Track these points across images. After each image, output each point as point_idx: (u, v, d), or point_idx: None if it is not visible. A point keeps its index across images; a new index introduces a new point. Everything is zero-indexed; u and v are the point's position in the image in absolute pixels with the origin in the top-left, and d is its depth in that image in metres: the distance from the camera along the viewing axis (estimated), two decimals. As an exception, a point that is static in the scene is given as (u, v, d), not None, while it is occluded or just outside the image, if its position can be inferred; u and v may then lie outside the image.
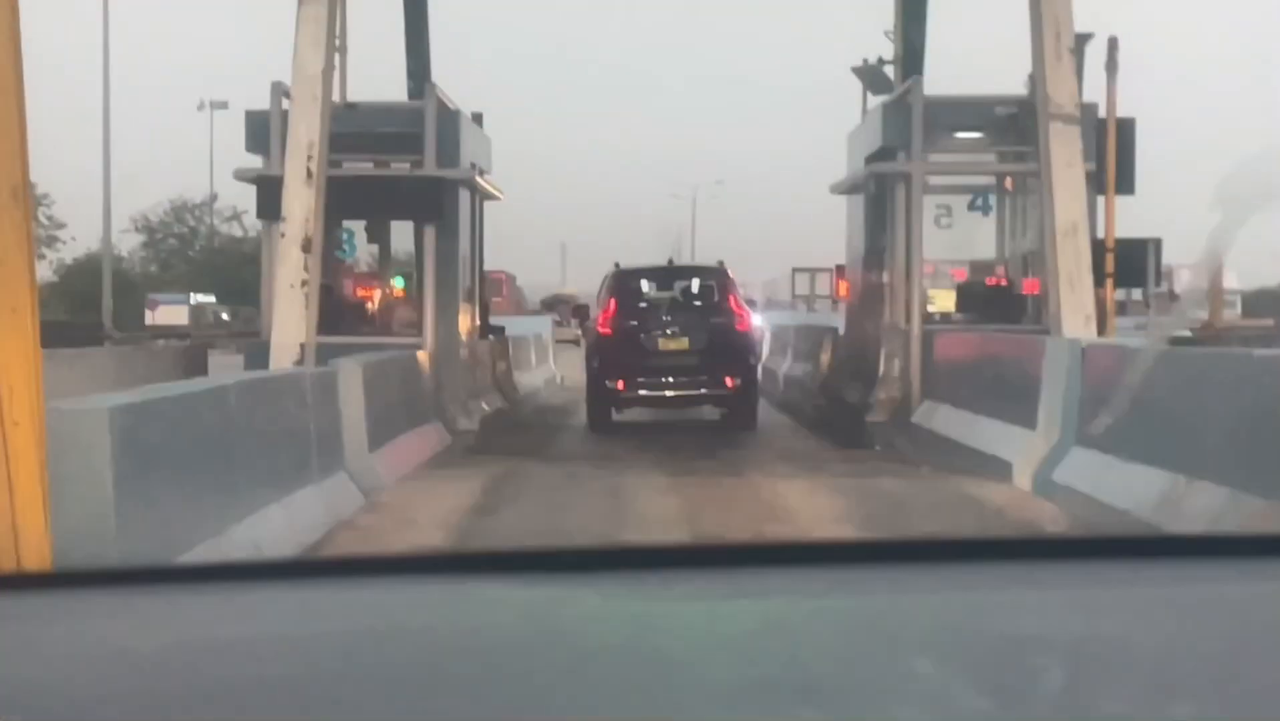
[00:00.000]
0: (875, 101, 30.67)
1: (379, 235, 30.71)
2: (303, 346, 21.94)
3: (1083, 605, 2.79)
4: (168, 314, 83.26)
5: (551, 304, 79.85)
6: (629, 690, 2.30)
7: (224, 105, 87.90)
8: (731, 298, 27.34)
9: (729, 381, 26.90)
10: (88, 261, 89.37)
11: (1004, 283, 29.10)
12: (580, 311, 31.92)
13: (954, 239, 30.28)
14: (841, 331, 34.87)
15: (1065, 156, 22.54)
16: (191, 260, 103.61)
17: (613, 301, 27.45)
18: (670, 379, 27.01)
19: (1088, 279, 22.06)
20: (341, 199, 26.21)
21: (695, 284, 28.07)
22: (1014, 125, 27.33)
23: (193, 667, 2.42)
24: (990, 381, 19.96)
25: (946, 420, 21.77)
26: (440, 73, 31.36)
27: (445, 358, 26.79)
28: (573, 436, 29.02)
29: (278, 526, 12.47)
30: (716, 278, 27.92)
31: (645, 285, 28.03)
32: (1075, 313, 21.75)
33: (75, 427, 8.72)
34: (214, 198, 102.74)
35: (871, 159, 28.25)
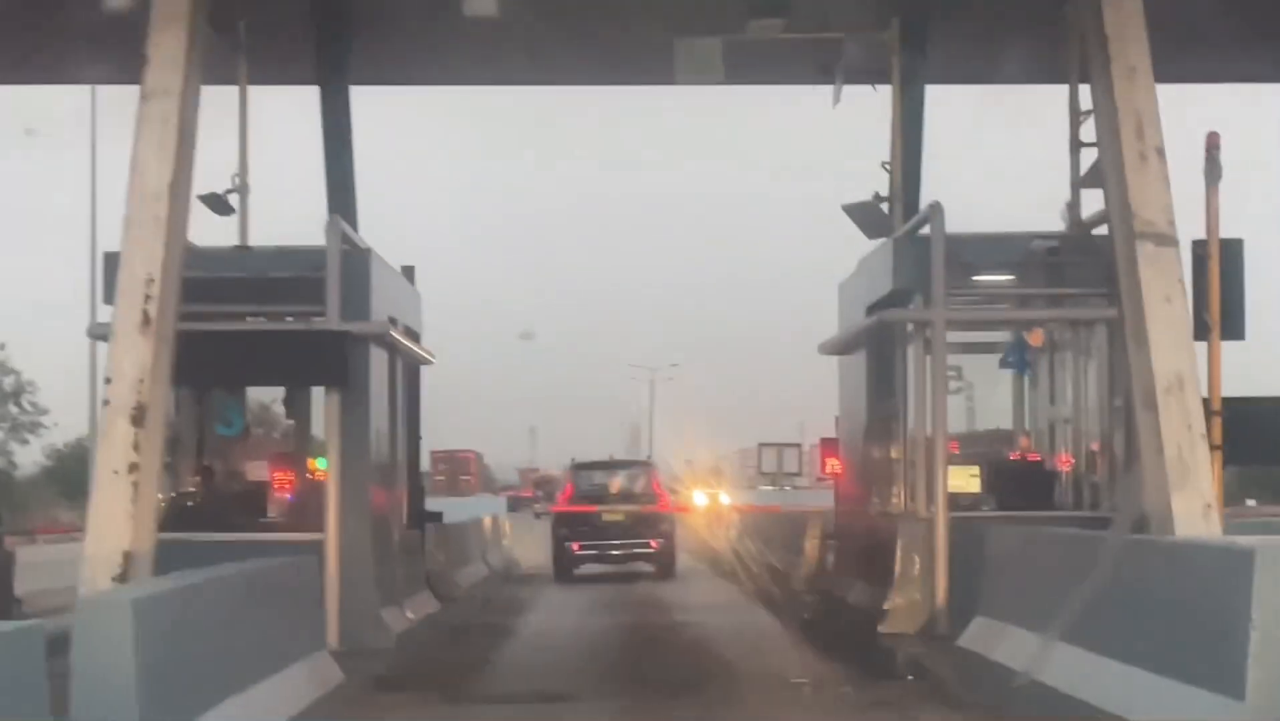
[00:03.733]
0: (873, 244, 22.97)
1: (299, 406, 22.62)
2: (128, 555, 13.97)
3: None
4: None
5: (540, 482, 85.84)
6: None
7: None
8: (655, 482, 34.66)
9: (653, 543, 32.86)
10: (78, 447, 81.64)
11: (1035, 458, 21.20)
12: (546, 486, 41.16)
13: (958, 406, 22.39)
14: (829, 514, 27.03)
15: (1162, 288, 14.82)
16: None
17: (570, 486, 34.99)
18: (613, 540, 32.87)
19: (1203, 453, 14.22)
20: (219, 359, 18.35)
21: (629, 472, 35.18)
22: (1050, 265, 19.63)
23: None
24: (1115, 606, 11.90)
25: (1024, 653, 13.66)
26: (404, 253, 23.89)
27: (352, 556, 18.76)
28: (517, 652, 20.96)
29: None
30: (645, 468, 36.31)
31: (594, 473, 35.13)
32: (1190, 500, 13.92)
33: None
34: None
35: (876, 307, 20.47)
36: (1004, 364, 21.36)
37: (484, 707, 15.34)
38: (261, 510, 20.12)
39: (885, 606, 19.03)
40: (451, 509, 36.77)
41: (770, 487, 57.11)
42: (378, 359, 20.01)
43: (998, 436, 23.38)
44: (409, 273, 24.44)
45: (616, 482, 34.12)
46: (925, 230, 19.54)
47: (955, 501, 19.99)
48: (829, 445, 26.81)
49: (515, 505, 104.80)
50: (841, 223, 23.35)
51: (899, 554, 19.07)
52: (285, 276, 19.25)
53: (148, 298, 14.78)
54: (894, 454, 20.87)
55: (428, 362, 23.95)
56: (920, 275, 19.12)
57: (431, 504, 39.72)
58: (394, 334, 20.11)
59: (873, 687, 15.92)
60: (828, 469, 26.86)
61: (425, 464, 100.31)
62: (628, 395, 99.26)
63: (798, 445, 51.28)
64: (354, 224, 22.66)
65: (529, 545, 41.31)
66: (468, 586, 28.16)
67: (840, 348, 23.29)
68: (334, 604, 18.62)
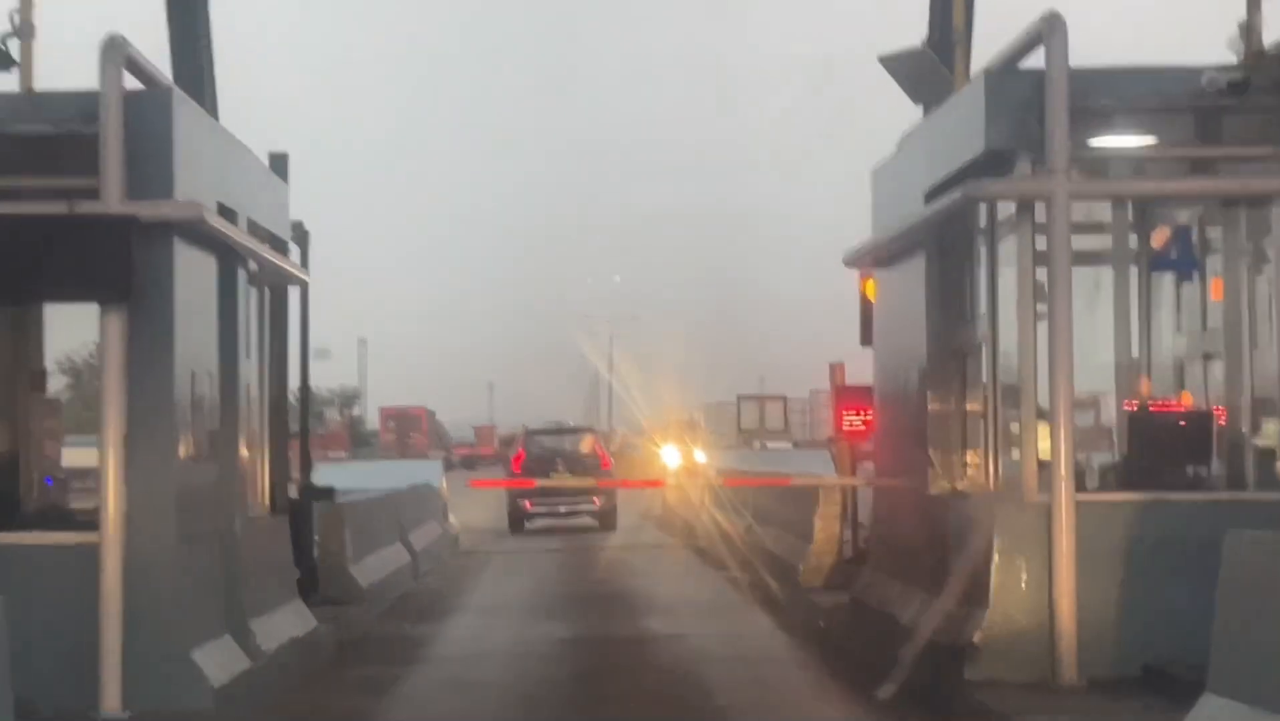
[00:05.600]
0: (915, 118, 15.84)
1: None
2: None
3: None
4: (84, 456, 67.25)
5: (506, 441, 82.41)
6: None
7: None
8: (597, 447, 38.81)
9: (596, 502, 35.65)
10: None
11: (1184, 407, 14.05)
12: (511, 445, 45.11)
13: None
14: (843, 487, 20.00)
15: None
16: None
17: (522, 450, 38.67)
18: (561, 498, 35.90)
19: None
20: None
21: (574, 438, 39.71)
22: (1213, 112, 12.50)
23: None
24: None
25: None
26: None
27: (143, 569, 11.61)
28: (417, 697, 14.07)
29: None
30: (589, 434, 40.72)
31: (544, 438, 39.66)
32: None
33: None
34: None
35: (947, 187, 13.28)
36: (1161, 265, 14.15)
37: None
38: (11, 498, 12.87)
39: (975, 638, 11.94)
40: (361, 478, 29.69)
41: (778, 445, 49.92)
42: (193, 264, 12.75)
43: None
44: (280, 163, 17.24)
45: (563, 447, 38.34)
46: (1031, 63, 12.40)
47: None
48: (849, 395, 19.68)
49: (472, 463, 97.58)
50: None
51: (996, 558, 11.97)
52: (37, 133, 11.98)
53: None
54: (971, 404, 13.78)
55: (298, 283, 16.74)
56: (1027, 128, 11.98)
57: (334, 474, 32.40)
58: (222, 226, 12.86)
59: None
60: (845, 425, 19.76)
61: (373, 422, 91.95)
62: (587, 348, 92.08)
63: (782, 398, 44.16)
64: (209, 105, 15.41)
65: (483, 506, 38.25)
66: (374, 582, 20.98)
67: (879, 255, 16.09)
68: (113, 647, 11.55)
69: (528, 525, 35.81)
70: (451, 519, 34.10)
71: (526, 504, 35.70)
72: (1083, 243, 15.83)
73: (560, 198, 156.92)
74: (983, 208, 13.12)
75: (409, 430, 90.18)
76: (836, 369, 21.44)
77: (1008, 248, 12.99)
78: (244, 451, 14.57)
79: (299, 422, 20.59)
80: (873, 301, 18.78)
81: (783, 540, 22.83)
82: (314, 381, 21.28)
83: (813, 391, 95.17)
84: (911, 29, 16.70)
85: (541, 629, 18.56)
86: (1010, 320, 12.74)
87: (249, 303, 14.85)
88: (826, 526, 19.35)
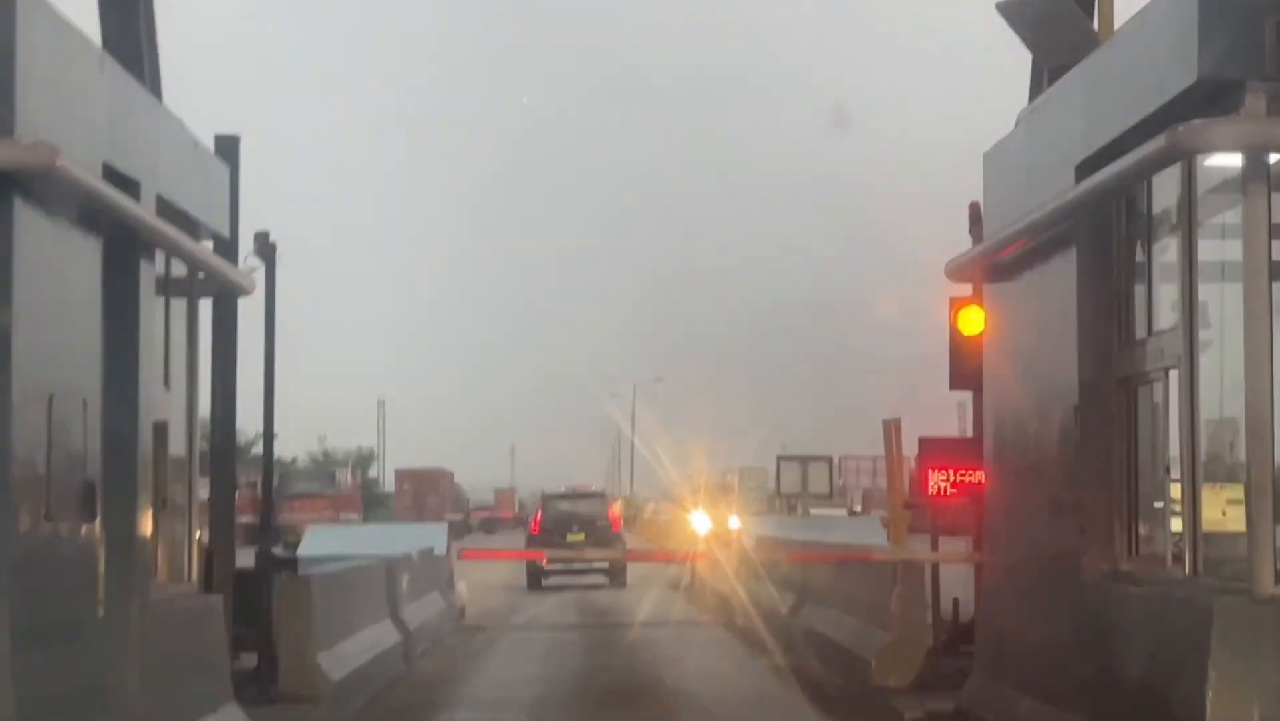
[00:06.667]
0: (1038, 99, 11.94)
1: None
2: None
3: None
4: None
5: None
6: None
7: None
8: (609, 510, 42.55)
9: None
10: None
11: None
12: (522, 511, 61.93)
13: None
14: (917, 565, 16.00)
15: None
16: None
17: (540, 513, 42.51)
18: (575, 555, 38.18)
19: None
20: None
21: (587, 502, 43.44)
22: None
23: None
24: None
25: None
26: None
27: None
28: None
29: None
30: (600, 497, 45.33)
31: (560, 502, 43.21)
32: None
33: None
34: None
35: (1110, 153, 9.32)
36: None
37: None
38: None
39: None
40: (357, 541, 25.77)
41: (827, 511, 45.96)
42: (53, 240, 8.86)
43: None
44: (228, 147, 13.42)
45: (579, 510, 41.12)
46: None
47: (1215, 549, 8.99)
48: (935, 451, 15.67)
49: (492, 526, 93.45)
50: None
51: (1213, 676, 7.98)
52: None
53: None
54: (1147, 453, 9.81)
55: (241, 293, 12.83)
56: (1258, 49, 8.10)
57: (328, 537, 28.56)
58: (97, 187, 9.00)
59: None
60: (931, 488, 15.74)
61: (391, 484, 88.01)
62: (611, 410, 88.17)
63: (828, 459, 40.23)
64: (149, 80, 11.56)
65: (500, 570, 39.65)
66: (349, 672, 16.94)
67: (998, 260, 12.11)
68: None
69: (545, 582, 37.87)
70: (460, 586, 30.15)
71: (544, 562, 38.10)
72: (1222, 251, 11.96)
73: (585, 259, 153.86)
74: (1159, 177, 9.20)
75: (426, 492, 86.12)
76: (891, 426, 17.57)
77: (1209, 234, 9.07)
78: (152, 509, 10.64)
79: (262, 474, 16.81)
80: (965, 333, 15.00)
81: (843, 624, 18.78)
82: (330, 441, 17.63)
83: (843, 456, 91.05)
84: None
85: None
86: (1219, 333, 8.83)
87: (160, 311, 10.98)
88: (912, 612, 15.26)
